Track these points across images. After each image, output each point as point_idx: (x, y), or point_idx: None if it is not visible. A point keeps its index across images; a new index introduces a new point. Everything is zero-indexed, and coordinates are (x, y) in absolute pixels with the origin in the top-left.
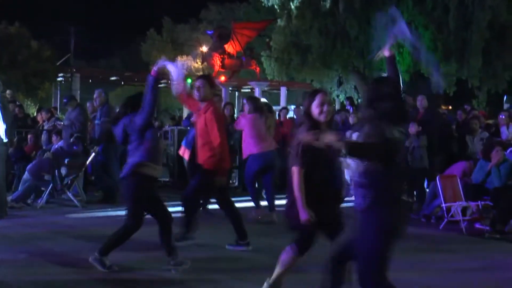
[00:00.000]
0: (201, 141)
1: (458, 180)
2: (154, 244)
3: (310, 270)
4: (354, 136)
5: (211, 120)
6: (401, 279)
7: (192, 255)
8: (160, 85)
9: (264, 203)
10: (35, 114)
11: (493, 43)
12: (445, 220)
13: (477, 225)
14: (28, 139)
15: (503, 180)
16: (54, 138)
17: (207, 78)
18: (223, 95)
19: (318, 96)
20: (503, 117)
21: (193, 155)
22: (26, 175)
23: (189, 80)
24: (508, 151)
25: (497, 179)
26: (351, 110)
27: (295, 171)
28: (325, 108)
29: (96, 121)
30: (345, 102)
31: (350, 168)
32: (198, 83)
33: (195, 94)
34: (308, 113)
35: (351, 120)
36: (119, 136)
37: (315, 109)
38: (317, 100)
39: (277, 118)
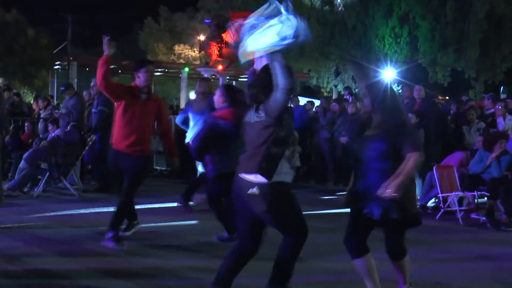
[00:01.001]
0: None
1: (455, 170)
2: (148, 233)
3: (303, 259)
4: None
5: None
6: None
7: (185, 243)
8: (157, 73)
9: None
10: (32, 102)
11: (491, 34)
12: (442, 210)
13: (474, 215)
14: (25, 127)
15: (502, 172)
16: (50, 127)
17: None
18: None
19: None
20: (500, 107)
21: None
22: (22, 164)
23: (186, 69)
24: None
25: (497, 170)
26: (350, 100)
27: None
28: None
29: (93, 110)
30: (343, 92)
31: None
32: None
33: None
34: None
35: (350, 109)
36: None
37: None
38: None
39: None
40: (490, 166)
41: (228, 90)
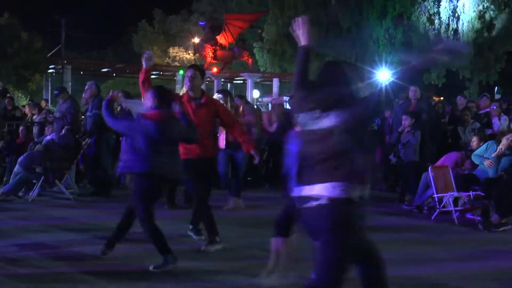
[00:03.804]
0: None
1: (450, 170)
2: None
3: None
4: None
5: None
6: (392, 270)
7: (182, 246)
8: (152, 77)
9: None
10: (26, 106)
11: (484, 34)
12: (437, 210)
13: (469, 215)
14: (20, 132)
15: (498, 172)
16: (49, 129)
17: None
18: (215, 86)
19: None
20: (495, 107)
21: None
22: (17, 168)
23: (181, 72)
24: None
25: (493, 169)
26: None
27: None
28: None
29: (88, 113)
30: None
31: None
32: (189, 73)
33: (186, 83)
34: None
35: None
36: None
37: None
38: None
39: (269, 109)
40: (499, 162)
41: (159, 91)
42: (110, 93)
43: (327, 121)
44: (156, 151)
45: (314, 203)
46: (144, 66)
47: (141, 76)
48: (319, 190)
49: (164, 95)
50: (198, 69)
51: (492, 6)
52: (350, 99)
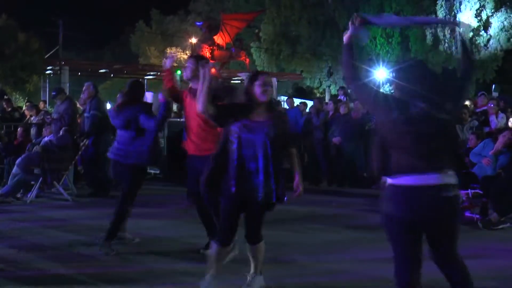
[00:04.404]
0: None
1: None
2: (142, 237)
3: (297, 260)
4: None
5: None
6: (391, 269)
7: (178, 247)
8: (149, 77)
9: None
10: (24, 108)
11: (481, 33)
12: None
13: (467, 214)
14: (18, 133)
15: (496, 170)
16: (45, 130)
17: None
18: None
19: (261, 77)
20: (492, 105)
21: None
22: (15, 169)
23: (178, 72)
24: None
25: (491, 167)
26: (343, 100)
27: None
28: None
29: (86, 114)
30: (338, 92)
31: None
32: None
33: (184, 73)
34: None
35: (342, 110)
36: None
37: (257, 89)
38: (260, 80)
39: None
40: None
41: (132, 85)
42: None
43: (437, 113)
44: (119, 138)
45: (451, 193)
46: (167, 65)
47: (166, 77)
48: (446, 178)
49: (132, 87)
50: (196, 58)
51: (489, 5)
52: (450, 89)
